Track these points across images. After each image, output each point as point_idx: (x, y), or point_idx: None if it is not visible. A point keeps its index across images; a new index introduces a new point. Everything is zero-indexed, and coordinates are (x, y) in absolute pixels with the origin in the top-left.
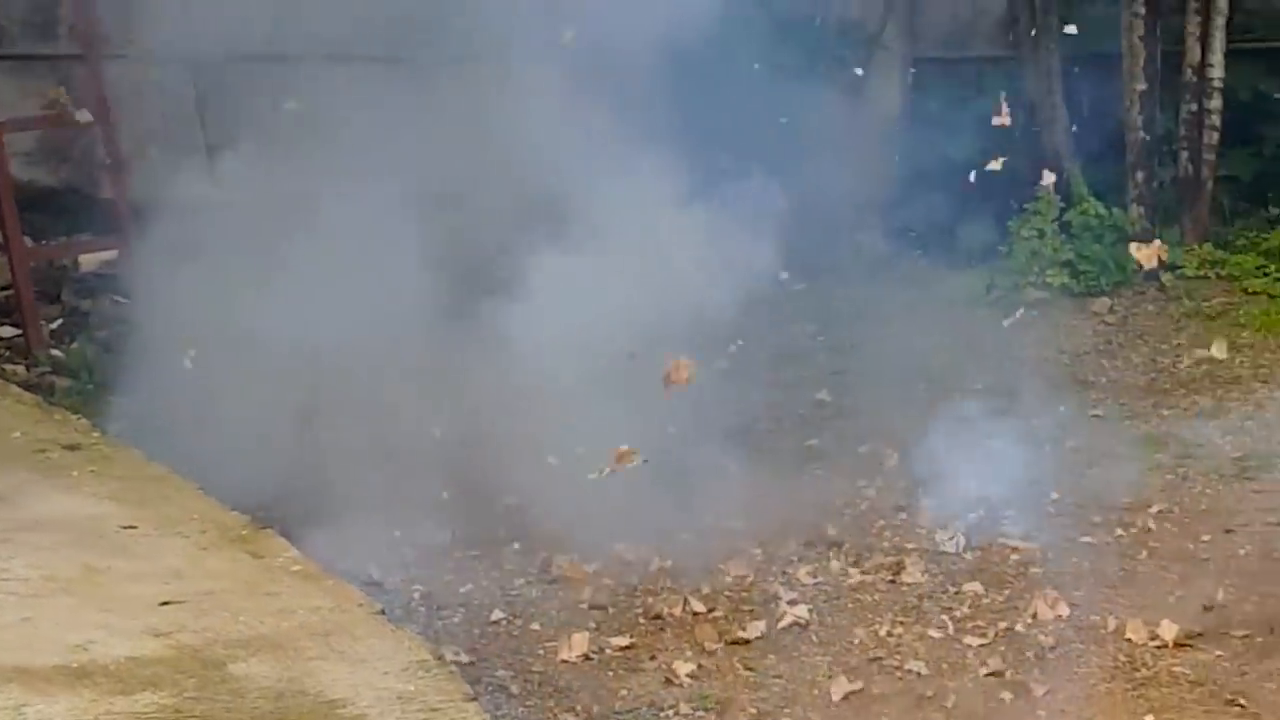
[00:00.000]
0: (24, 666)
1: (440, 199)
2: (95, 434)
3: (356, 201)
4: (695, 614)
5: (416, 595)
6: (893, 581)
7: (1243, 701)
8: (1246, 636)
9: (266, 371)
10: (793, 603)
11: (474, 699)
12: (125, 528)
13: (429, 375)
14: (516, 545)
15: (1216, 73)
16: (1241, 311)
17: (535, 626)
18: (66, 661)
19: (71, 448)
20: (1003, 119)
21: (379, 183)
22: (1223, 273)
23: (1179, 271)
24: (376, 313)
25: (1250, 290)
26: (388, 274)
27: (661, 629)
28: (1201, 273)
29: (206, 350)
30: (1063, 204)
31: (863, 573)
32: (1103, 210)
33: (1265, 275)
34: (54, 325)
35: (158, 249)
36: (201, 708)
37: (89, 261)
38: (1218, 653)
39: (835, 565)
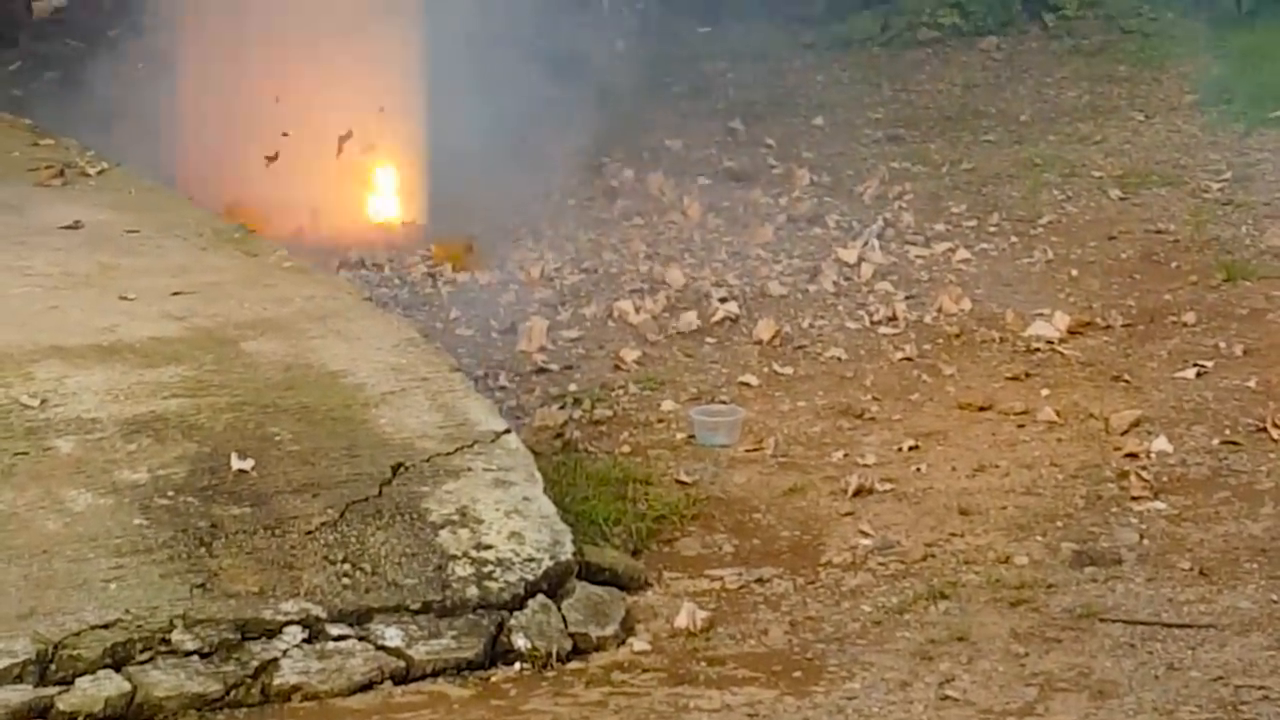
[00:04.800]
0: (59, 345)
1: None
2: (88, 153)
3: None
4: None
5: None
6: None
7: (1127, 378)
8: (1128, 325)
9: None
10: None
11: (458, 370)
12: (129, 232)
13: None
14: None
15: None
16: (1118, 48)
17: None
18: (97, 341)
19: (66, 165)
20: None
21: None
22: (1100, 13)
23: (1060, 12)
24: None
25: (1126, 29)
26: None
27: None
28: (1080, 14)
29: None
30: None
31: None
32: None
33: (1139, 15)
34: (12, 68)
35: None
36: (220, 378)
37: (40, 10)
38: (1104, 339)
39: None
